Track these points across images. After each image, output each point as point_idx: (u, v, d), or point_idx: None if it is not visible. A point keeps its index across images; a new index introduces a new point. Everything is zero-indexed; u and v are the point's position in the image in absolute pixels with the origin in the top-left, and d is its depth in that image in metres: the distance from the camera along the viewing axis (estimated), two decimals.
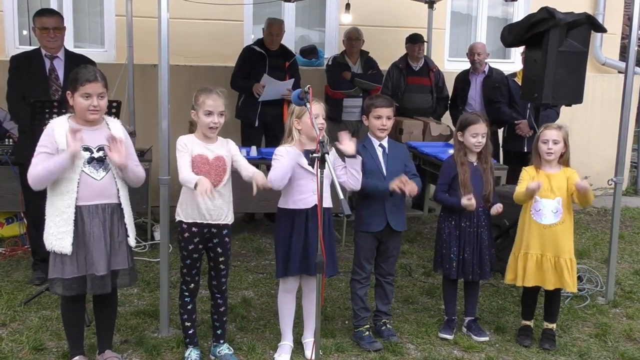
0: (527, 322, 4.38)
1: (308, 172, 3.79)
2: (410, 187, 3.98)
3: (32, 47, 5.49)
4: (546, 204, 4.14)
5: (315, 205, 3.75)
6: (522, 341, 4.27)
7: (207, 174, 3.62)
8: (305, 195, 3.82)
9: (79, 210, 3.40)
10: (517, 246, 4.25)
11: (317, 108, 3.74)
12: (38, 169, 3.34)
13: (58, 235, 3.39)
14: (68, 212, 3.39)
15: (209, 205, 3.67)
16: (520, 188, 4.16)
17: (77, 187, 3.38)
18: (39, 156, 3.37)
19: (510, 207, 4.35)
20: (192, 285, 3.81)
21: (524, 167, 4.30)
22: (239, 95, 6.69)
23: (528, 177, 4.19)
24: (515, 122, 6.52)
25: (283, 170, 3.73)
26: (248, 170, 3.73)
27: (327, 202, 3.72)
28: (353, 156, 3.82)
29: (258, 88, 6.49)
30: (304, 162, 3.77)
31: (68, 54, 5.04)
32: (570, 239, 4.18)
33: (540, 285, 4.21)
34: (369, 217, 4.12)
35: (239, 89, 6.65)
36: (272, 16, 7.07)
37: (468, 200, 4.07)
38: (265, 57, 6.58)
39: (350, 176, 3.91)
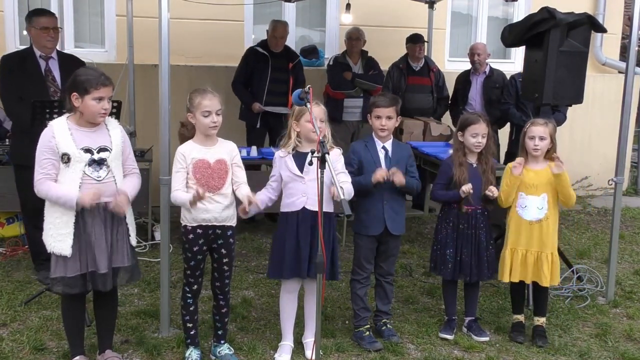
0: (519, 317, 4.40)
1: (296, 175, 3.81)
2: (397, 177, 3.97)
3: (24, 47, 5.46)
4: (532, 200, 4.17)
5: (304, 208, 3.79)
6: (516, 337, 4.29)
7: (209, 178, 3.63)
8: (294, 198, 3.83)
9: (80, 209, 3.40)
10: (505, 242, 4.29)
11: (317, 111, 3.73)
12: (49, 192, 3.36)
13: (58, 237, 3.40)
14: (69, 214, 3.39)
15: (214, 210, 3.67)
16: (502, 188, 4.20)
17: (79, 189, 3.38)
18: (43, 162, 3.37)
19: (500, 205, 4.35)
20: (195, 287, 3.80)
21: (507, 165, 4.30)
22: None
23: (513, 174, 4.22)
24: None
25: (263, 202, 3.86)
26: (240, 191, 3.71)
27: (326, 206, 3.72)
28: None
29: (256, 107, 6.51)
30: (292, 166, 3.79)
31: (60, 54, 5.05)
32: (554, 234, 4.22)
33: (522, 279, 4.24)
34: (368, 220, 4.12)
35: (238, 95, 6.66)
36: (273, 16, 7.07)
37: (466, 188, 4.06)
38: (268, 59, 6.56)
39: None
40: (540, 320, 4.34)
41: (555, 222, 4.23)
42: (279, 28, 6.60)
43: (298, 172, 3.81)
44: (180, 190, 3.64)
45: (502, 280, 4.32)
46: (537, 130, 4.15)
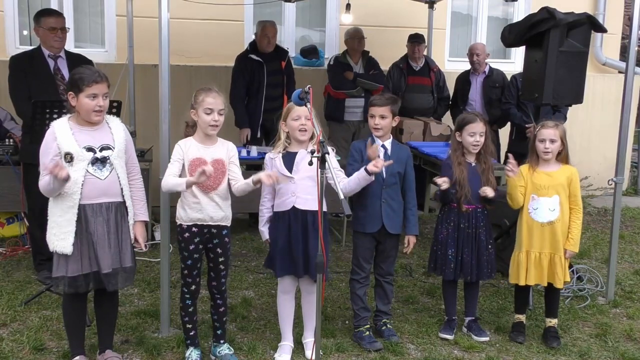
0: (520, 317, 4.40)
1: (285, 176, 3.81)
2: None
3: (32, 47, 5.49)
4: (543, 202, 4.16)
5: (294, 207, 3.81)
6: (516, 337, 4.30)
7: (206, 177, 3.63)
8: (284, 198, 3.84)
9: (82, 208, 3.41)
10: (518, 245, 4.27)
11: (301, 110, 3.71)
12: (41, 183, 3.37)
13: (60, 235, 3.40)
14: (71, 212, 3.40)
15: (210, 208, 3.67)
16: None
17: (81, 188, 3.39)
18: (45, 164, 3.37)
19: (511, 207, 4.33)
20: (193, 287, 3.81)
21: (520, 167, 4.30)
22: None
23: (521, 176, 4.21)
24: (527, 125, 6.48)
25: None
26: (240, 184, 3.71)
27: (316, 205, 3.71)
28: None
29: (244, 133, 6.31)
30: (281, 166, 3.81)
31: (68, 53, 5.09)
32: (566, 236, 4.21)
33: (539, 282, 4.24)
34: (365, 217, 4.13)
35: (236, 112, 6.31)
36: (273, 16, 7.05)
37: (440, 180, 4.09)
38: (262, 64, 6.41)
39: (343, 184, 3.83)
40: (552, 322, 4.33)
41: (567, 224, 4.21)
42: (269, 27, 6.44)
43: (287, 172, 3.81)
44: (171, 176, 3.63)
45: (519, 284, 4.25)
46: (548, 133, 4.15)
